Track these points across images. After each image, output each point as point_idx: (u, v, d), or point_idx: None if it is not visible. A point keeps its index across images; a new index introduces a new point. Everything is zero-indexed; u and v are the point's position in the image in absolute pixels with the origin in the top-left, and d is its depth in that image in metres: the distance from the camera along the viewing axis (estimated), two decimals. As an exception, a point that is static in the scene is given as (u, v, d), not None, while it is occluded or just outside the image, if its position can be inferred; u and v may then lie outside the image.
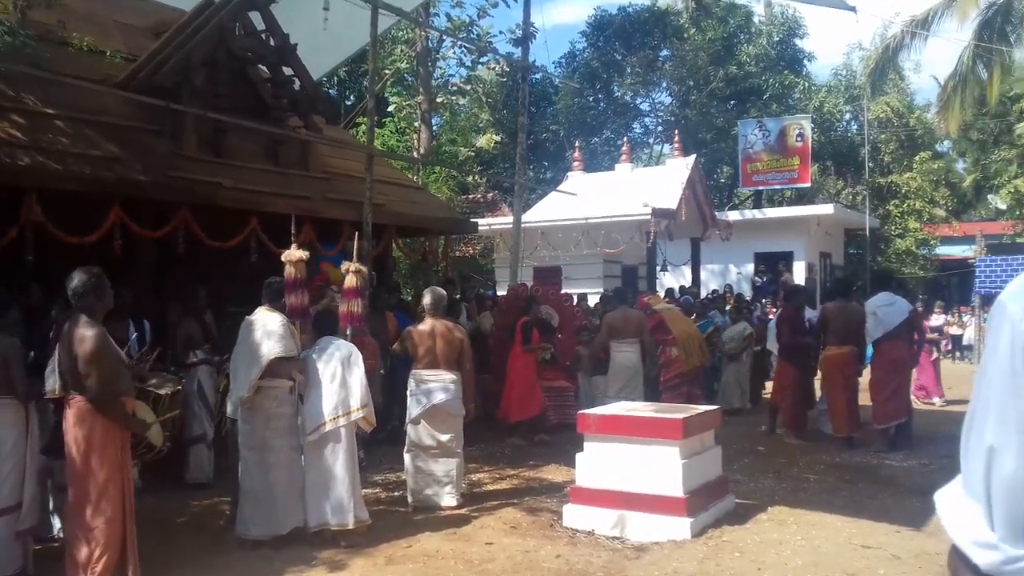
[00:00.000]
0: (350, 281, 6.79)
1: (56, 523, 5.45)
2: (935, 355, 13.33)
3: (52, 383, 4.54)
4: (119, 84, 8.62)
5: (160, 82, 8.60)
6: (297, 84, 10.04)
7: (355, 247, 7.31)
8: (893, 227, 25.93)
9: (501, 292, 13.18)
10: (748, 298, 16.22)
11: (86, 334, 4.35)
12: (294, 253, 6.29)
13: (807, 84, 26.56)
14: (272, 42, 9.81)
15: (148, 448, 4.84)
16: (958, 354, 21.13)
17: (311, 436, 5.60)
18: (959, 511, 1.14)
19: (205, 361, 7.38)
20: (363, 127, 17.18)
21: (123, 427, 4.50)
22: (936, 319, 16.59)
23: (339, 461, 5.60)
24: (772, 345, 11.06)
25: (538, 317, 10.26)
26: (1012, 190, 27.49)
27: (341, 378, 5.63)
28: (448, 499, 6.60)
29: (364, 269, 7.10)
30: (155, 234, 8.09)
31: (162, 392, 5.71)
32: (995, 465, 1.06)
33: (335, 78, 21.82)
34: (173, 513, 6.45)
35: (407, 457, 6.71)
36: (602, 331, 9.44)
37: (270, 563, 5.25)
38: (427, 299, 6.97)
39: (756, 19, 27.96)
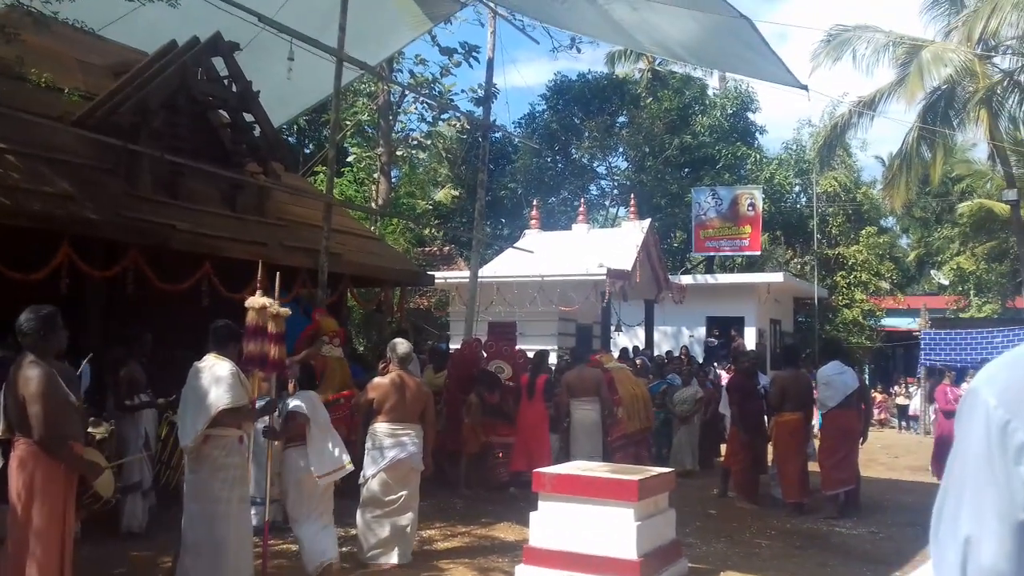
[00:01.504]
0: (272, 326, 6.46)
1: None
2: None
3: None
4: (76, 122, 8.47)
5: (118, 122, 8.50)
6: (257, 130, 9.99)
7: (277, 286, 6.89)
8: (840, 297, 26.51)
9: (455, 346, 13.08)
10: (700, 361, 16.33)
11: (30, 374, 4.17)
12: (257, 300, 6.13)
13: (759, 156, 27.28)
14: (234, 88, 9.77)
15: (95, 498, 4.60)
16: (904, 424, 21.47)
17: (327, 478, 5.90)
18: None
19: (148, 404, 7.12)
20: (322, 176, 17.15)
21: (70, 471, 4.28)
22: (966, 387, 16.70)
23: (331, 503, 6.03)
24: (725, 408, 11.11)
25: (485, 371, 10.20)
26: (954, 267, 28.41)
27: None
28: (398, 557, 6.40)
29: (284, 312, 6.79)
30: (104, 274, 7.90)
31: (97, 434, 5.48)
32: (971, 556, 1.03)
33: (295, 126, 21.81)
34: (111, 564, 6.16)
35: (360, 513, 6.52)
36: (561, 391, 9.41)
37: (209, 620, 5.02)
38: (396, 351, 6.84)
39: (711, 91, 28.79)
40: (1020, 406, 1.01)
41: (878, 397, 21.16)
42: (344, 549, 6.82)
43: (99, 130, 8.26)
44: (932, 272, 36.72)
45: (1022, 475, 1.00)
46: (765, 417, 9.89)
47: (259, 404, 6.03)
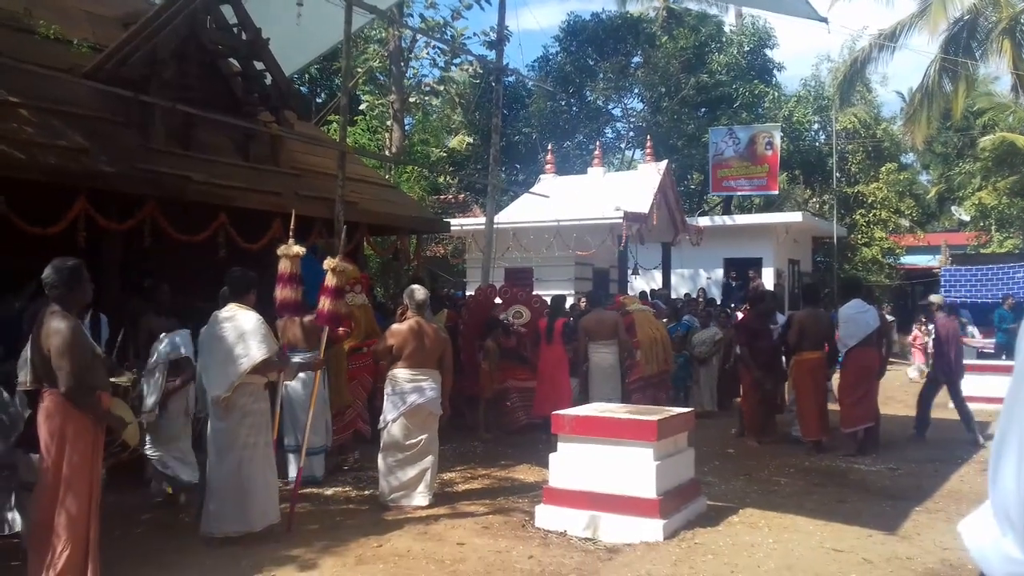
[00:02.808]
0: (331, 280, 6.53)
1: (18, 520, 5.27)
2: None
3: (24, 375, 4.39)
4: (86, 74, 8.42)
5: (128, 73, 8.44)
6: (268, 79, 9.91)
7: (340, 243, 7.12)
8: (859, 236, 26.24)
9: (470, 292, 13.11)
10: (718, 302, 16.30)
11: (57, 326, 4.22)
12: (292, 248, 6.18)
13: (777, 94, 26.77)
14: (244, 36, 9.67)
15: (123, 446, 4.69)
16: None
17: None
18: (991, 542, 1.03)
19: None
20: (335, 125, 17.04)
21: (97, 422, 4.35)
22: None
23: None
24: None
25: (494, 317, 10.24)
26: (976, 202, 28.02)
27: None
28: (420, 499, 6.52)
29: (349, 267, 6.87)
30: (121, 227, 7.92)
31: (122, 382, 5.55)
32: None
33: (306, 75, 21.64)
34: (136, 510, 6.30)
35: (381, 456, 6.61)
36: (579, 336, 9.45)
37: (237, 562, 5.13)
38: (414, 297, 6.87)
39: (727, 28, 28.18)
40: None
41: (917, 335, 20.30)
42: (367, 492, 6.96)
43: (110, 82, 8.21)
44: (953, 208, 36.24)
45: None
46: (783, 357, 9.89)
47: (297, 358, 6.12)
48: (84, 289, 4.44)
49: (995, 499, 1.04)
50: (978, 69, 24.23)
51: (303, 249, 6.24)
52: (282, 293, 6.02)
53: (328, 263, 6.40)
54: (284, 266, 6.12)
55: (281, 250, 6.19)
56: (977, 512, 1.08)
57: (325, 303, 6.29)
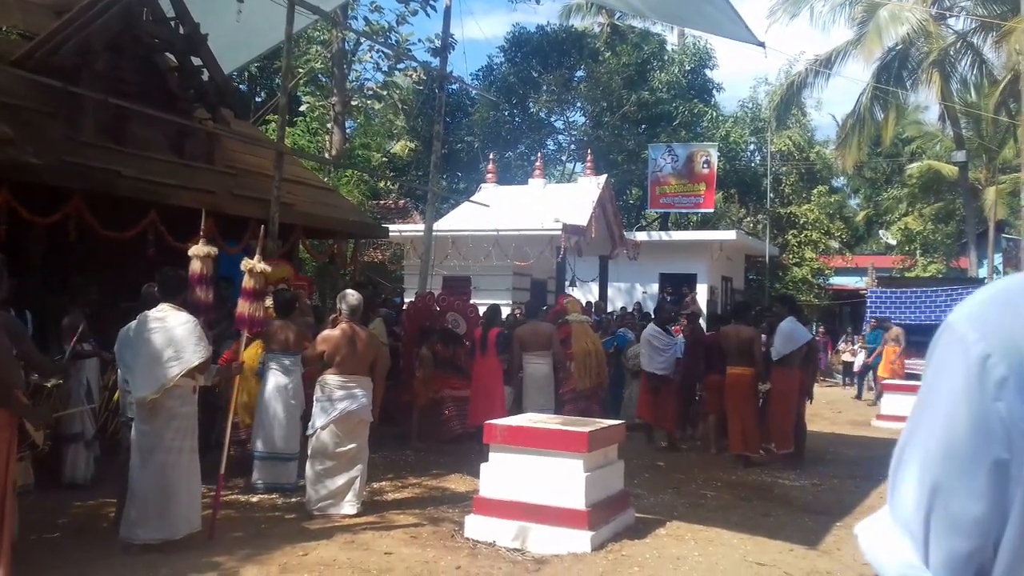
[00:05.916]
0: (248, 282, 6.38)
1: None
2: None
3: None
4: (14, 62, 8.15)
5: (59, 63, 8.19)
6: (206, 75, 9.72)
7: (259, 244, 6.95)
8: (791, 256, 26.87)
9: (409, 299, 13.03)
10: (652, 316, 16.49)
11: None
12: (202, 248, 6.05)
13: (715, 113, 27.29)
14: (181, 30, 9.47)
15: (30, 446, 4.55)
16: (848, 380, 21.97)
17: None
18: (888, 548, 1.05)
19: (92, 354, 6.99)
20: (273, 125, 16.80)
21: (15, 418, 4.20)
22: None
23: None
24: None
25: (443, 327, 10.22)
26: (902, 227, 28.96)
27: None
28: (348, 508, 6.42)
29: (268, 268, 6.73)
30: (45, 221, 7.67)
31: (48, 384, 5.36)
32: (938, 502, 0.98)
33: (246, 74, 21.29)
34: (53, 514, 6.09)
35: (309, 464, 6.50)
36: (514, 346, 9.46)
37: (155, 570, 4.97)
38: (347, 301, 6.78)
39: (669, 47, 28.64)
40: (1000, 339, 0.96)
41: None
42: (294, 500, 6.85)
43: (39, 71, 7.95)
44: (880, 232, 37.44)
45: (1000, 411, 0.94)
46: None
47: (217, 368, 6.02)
48: (3, 286, 4.31)
49: (894, 510, 1.07)
50: (908, 98, 25.11)
51: (215, 249, 6.14)
52: (195, 295, 5.91)
53: (245, 264, 6.25)
54: (195, 267, 6.01)
55: (192, 251, 6.07)
56: (874, 516, 1.12)
57: (243, 306, 6.15)
